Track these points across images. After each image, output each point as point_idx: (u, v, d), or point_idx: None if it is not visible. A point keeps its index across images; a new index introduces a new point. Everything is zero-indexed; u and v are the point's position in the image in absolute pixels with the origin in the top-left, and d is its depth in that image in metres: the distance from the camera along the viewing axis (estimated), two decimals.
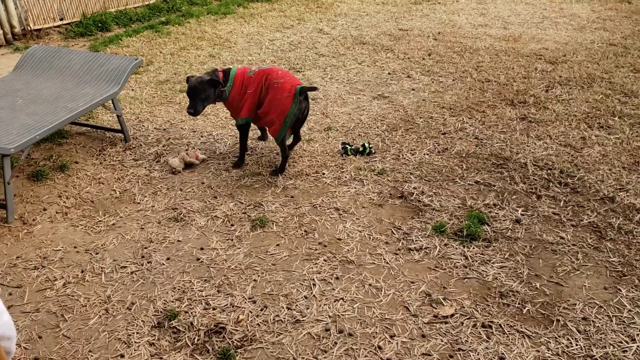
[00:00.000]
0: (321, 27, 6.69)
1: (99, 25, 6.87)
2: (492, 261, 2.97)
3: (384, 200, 3.50)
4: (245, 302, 2.73)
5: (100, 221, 3.39)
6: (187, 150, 4.03)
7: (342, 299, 2.76)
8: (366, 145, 3.99)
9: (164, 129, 4.47)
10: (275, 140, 3.71)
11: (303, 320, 2.63)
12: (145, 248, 3.15)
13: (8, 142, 3.35)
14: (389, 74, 5.39)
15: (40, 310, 2.73)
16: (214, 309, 2.70)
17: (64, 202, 3.58)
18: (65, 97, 3.96)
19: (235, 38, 6.40)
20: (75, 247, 3.16)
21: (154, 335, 2.58)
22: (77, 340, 2.56)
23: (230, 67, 3.80)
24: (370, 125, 4.43)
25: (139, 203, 3.56)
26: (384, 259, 3.02)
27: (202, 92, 3.61)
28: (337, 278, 2.89)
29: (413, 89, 5.05)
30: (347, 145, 4.01)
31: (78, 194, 3.66)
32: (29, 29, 6.59)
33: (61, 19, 6.85)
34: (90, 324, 2.65)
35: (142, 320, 2.66)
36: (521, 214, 3.34)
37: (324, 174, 3.79)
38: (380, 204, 3.47)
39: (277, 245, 3.14)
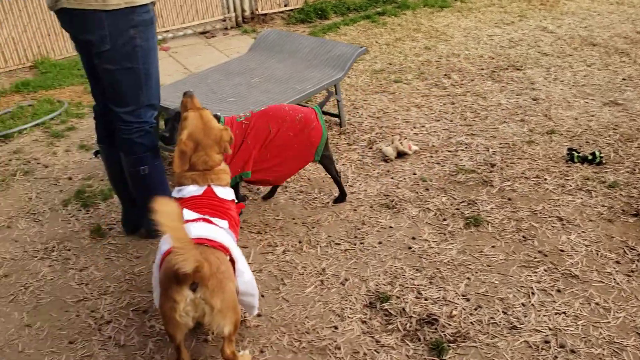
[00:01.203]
0: (545, 25, 6.29)
1: (319, 13, 7.19)
2: None
3: (615, 216, 3.18)
4: (458, 299, 2.66)
5: (316, 198, 3.55)
6: (400, 139, 4.04)
7: (564, 313, 2.55)
8: (596, 153, 3.65)
9: (378, 118, 4.54)
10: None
11: (520, 328, 2.48)
12: (358, 229, 3.22)
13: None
14: (623, 79, 4.88)
15: (263, 272, 2.92)
16: (425, 300, 2.67)
17: None
18: (295, 78, 4.21)
19: (452, 32, 6.28)
20: (293, 219, 3.34)
21: (366, 314, 2.62)
22: (295, 305, 2.70)
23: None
24: (600, 133, 4.05)
25: (352, 186, 3.65)
26: (614, 279, 2.73)
27: None
28: (558, 291, 2.68)
29: None
30: (573, 152, 3.71)
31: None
32: (257, 13, 7.13)
33: (285, 5, 7.31)
34: (306, 292, 2.78)
35: (354, 297, 2.72)
36: None
37: (545, 179, 3.55)
38: (610, 220, 3.15)
39: (493, 247, 3.01)
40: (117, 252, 3.13)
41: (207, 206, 2.39)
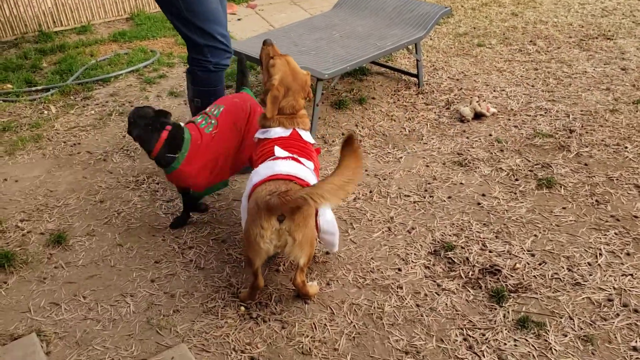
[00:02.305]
0: None
1: None
2: None
3: None
4: (524, 253, 2.70)
5: (389, 153, 3.63)
6: (479, 101, 4.04)
7: (632, 275, 2.55)
8: None
9: (457, 80, 4.53)
10: None
11: (584, 285, 2.50)
12: (429, 184, 3.29)
13: (324, 68, 3.75)
14: None
15: (334, 216, 3.06)
16: (490, 252, 2.73)
17: (360, 130, 3.91)
18: (375, 35, 4.26)
19: None
20: (366, 171, 3.45)
21: (430, 260, 2.72)
22: (362, 247, 2.83)
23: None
24: None
25: (426, 143, 3.71)
26: None
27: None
28: (628, 254, 2.67)
29: None
30: None
31: (372, 126, 3.95)
32: None
33: None
34: (373, 236, 2.90)
35: (420, 245, 2.82)
36: None
37: (626, 147, 3.47)
38: None
39: (564, 208, 3.00)
40: None
41: (295, 147, 2.53)
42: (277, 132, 2.58)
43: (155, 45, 5.55)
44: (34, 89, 4.65)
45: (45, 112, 4.35)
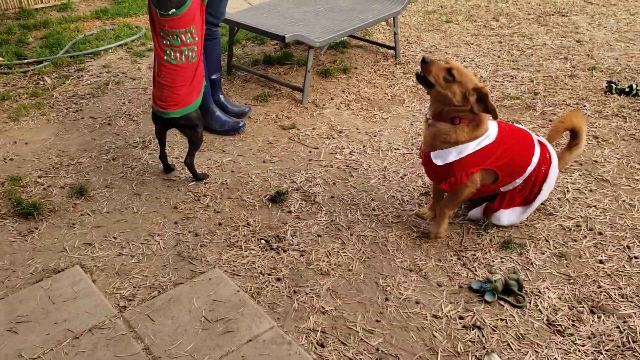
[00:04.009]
0: None
1: None
2: None
3: None
4: None
5: (375, 114, 3.99)
6: None
7: (595, 206, 2.99)
8: (633, 86, 4.01)
9: (430, 52, 4.92)
10: None
11: (556, 215, 2.93)
12: (414, 139, 3.66)
13: (314, 37, 4.07)
14: None
15: (333, 167, 3.40)
16: None
17: (346, 96, 4.25)
18: (357, 9, 4.60)
19: None
20: (357, 129, 3.80)
21: (422, 200, 3.09)
22: (361, 190, 3.18)
23: None
24: (638, 71, 4.39)
25: (408, 106, 4.08)
26: None
27: None
28: (590, 190, 3.11)
29: None
30: (612, 84, 4.07)
31: (357, 92, 4.30)
32: None
33: None
34: (371, 182, 3.25)
35: (412, 188, 3.19)
36: None
37: (584, 106, 3.93)
38: None
39: None
40: (206, 146, 3.62)
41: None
42: (493, 127, 2.65)
43: (138, 22, 5.73)
44: (25, 61, 4.78)
45: (41, 82, 4.51)
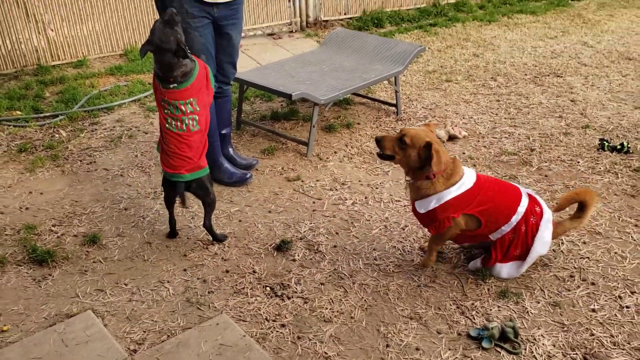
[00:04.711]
0: (585, 41, 6.82)
1: (375, 21, 7.85)
2: None
3: (637, 193, 3.70)
4: None
5: (377, 167, 4.15)
6: (452, 125, 4.63)
7: (588, 257, 3.10)
8: (625, 144, 4.18)
9: (430, 109, 5.14)
10: None
11: (550, 265, 3.04)
12: None
13: (320, 95, 4.29)
14: None
15: (336, 217, 3.54)
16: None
17: (349, 150, 4.43)
18: (360, 69, 4.84)
19: (499, 42, 6.86)
20: (359, 181, 3.96)
21: (423, 251, 3.21)
22: (364, 240, 3.31)
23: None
24: (629, 129, 4.57)
25: None
26: (632, 236, 3.27)
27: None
28: (584, 243, 3.23)
29: None
30: (605, 142, 4.24)
31: (360, 146, 4.48)
32: (320, 19, 7.83)
33: (345, 14, 7.99)
34: (373, 233, 3.38)
35: (412, 239, 3.32)
36: None
37: (578, 162, 4.10)
38: (633, 195, 3.68)
39: None
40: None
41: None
42: (470, 175, 2.89)
43: (151, 78, 5.99)
44: (42, 115, 5.01)
45: (56, 135, 4.71)
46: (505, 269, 2.93)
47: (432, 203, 2.85)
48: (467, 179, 2.86)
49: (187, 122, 3.05)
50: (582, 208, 2.97)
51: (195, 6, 3.41)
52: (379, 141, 2.90)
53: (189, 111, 3.04)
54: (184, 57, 2.95)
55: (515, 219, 2.85)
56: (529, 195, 2.94)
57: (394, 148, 2.86)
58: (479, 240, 3.00)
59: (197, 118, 3.07)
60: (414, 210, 2.96)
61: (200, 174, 3.14)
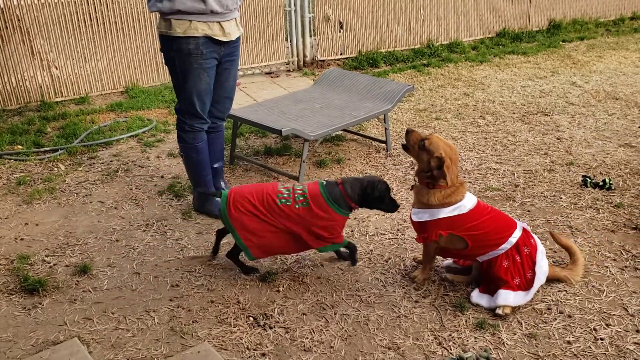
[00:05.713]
0: (574, 81, 6.99)
1: (370, 61, 8.06)
2: None
3: (617, 228, 3.78)
4: None
5: None
6: None
7: (566, 291, 3.17)
8: (607, 180, 4.28)
9: None
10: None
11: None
12: (400, 225, 3.90)
13: (310, 131, 4.43)
14: (639, 127, 5.52)
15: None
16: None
17: None
18: (350, 107, 5.00)
19: (489, 82, 7.04)
20: None
21: (404, 282, 3.28)
22: (347, 272, 3.39)
23: None
24: (613, 167, 4.68)
25: (396, 194, 4.35)
26: (610, 270, 3.34)
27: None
28: None
29: None
30: (587, 178, 4.35)
31: None
32: (316, 59, 8.05)
33: (341, 54, 8.21)
34: (357, 264, 3.46)
35: (395, 271, 3.39)
36: None
37: (561, 197, 4.19)
38: (613, 230, 3.76)
39: None
40: (205, 229, 3.88)
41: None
42: (470, 201, 3.06)
43: (150, 115, 6.16)
44: (42, 149, 5.16)
45: (55, 169, 4.85)
46: (512, 297, 2.99)
47: (425, 216, 3.06)
48: (466, 204, 3.03)
49: None
50: (571, 255, 3.29)
51: (210, 47, 3.59)
52: (408, 133, 3.16)
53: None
54: None
55: (504, 246, 3.00)
56: (524, 229, 3.11)
57: (415, 145, 3.10)
58: (460, 258, 3.25)
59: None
60: (411, 216, 3.19)
61: None
